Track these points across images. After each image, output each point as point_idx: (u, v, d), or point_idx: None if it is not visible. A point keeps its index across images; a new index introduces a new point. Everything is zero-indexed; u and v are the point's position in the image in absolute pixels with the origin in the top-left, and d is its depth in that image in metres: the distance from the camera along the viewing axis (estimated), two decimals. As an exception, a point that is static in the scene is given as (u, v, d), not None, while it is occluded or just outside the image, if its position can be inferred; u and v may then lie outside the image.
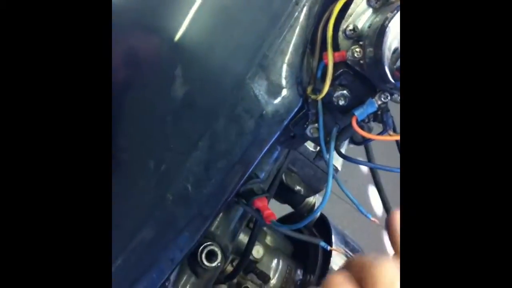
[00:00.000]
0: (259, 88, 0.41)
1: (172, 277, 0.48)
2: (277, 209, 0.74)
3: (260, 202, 0.49)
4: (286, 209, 0.82)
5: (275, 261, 0.68)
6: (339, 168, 0.66)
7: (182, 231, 0.42)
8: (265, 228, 0.69)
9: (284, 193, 0.70)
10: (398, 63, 0.39)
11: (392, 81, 0.40)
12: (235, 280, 0.65)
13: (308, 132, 0.46)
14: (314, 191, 0.71)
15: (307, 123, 0.46)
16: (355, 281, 0.39)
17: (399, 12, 0.40)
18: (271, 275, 0.67)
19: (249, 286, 0.66)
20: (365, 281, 0.39)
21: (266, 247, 0.68)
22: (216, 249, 0.49)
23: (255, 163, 0.43)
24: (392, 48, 0.40)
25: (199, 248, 0.49)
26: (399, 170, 0.49)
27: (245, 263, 0.61)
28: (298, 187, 0.70)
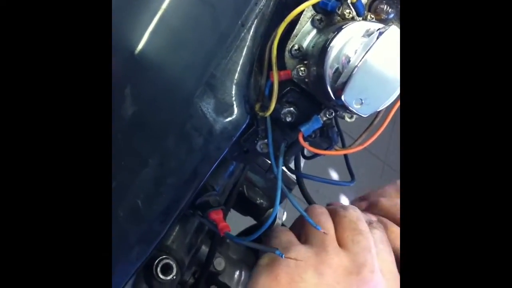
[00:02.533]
0: (207, 106, 0.42)
1: (126, 291, 0.49)
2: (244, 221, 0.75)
3: (215, 215, 0.50)
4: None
5: (237, 272, 0.69)
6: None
7: (133, 246, 0.44)
8: (228, 240, 0.70)
9: (246, 206, 0.71)
10: (339, 82, 0.41)
11: (334, 98, 0.42)
12: (197, 292, 0.66)
13: (258, 147, 0.48)
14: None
15: (257, 139, 0.47)
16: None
17: (339, 33, 0.42)
18: (233, 287, 0.68)
19: (211, 298, 0.67)
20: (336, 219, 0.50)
21: (228, 258, 0.69)
22: (172, 262, 0.50)
23: (206, 178, 0.45)
24: (334, 68, 0.42)
25: (155, 261, 0.50)
26: (349, 184, 0.51)
27: (205, 275, 0.62)
28: (259, 200, 0.72)
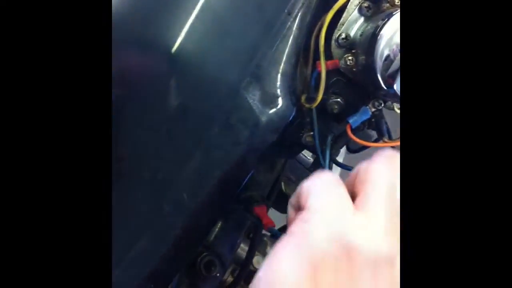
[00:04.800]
0: (253, 98, 0.41)
1: (170, 288, 0.48)
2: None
3: (259, 210, 0.49)
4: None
5: (275, 271, 0.68)
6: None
7: (179, 241, 0.43)
8: (265, 238, 0.69)
9: (284, 203, 0.70)
10: (390, 70, 0.39)
11: (385, 88, 0.40)
12: (236, 291, 0.65)
13: (303, 140, 0.46)
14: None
15: (302, 131, 0.46)
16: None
17: (389, 20, 0.40)
18: (272, 285, 0.67)
19: (250, 296, 0.66)
20: (361, 185, 0.34)
21: (266, 256, 0.68)
22: (215, 259, 0.49)
23: (251, 172, 0.44)
24: (384, 56, 0.40)
25: (198, 258, 0.49)
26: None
27: (245, 273, 0.61)
28: (298, 197, 0.70)
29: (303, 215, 0.33)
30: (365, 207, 0.32)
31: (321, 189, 0.34)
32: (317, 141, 0.45)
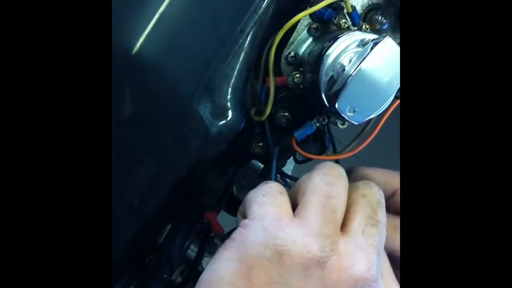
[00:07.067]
0: (204, 110, 0.43)
1: (119, 288, 0.50)
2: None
3: (209, 216, 0.52)
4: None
5: (225, 272, 0.70)
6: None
7: (128, 244, 0.44)
8: (215, 240, 0.71)
9: (235, 206, 0.72)
10: (333, 89, 0.42)
11: (328, 105, 0.43)
12: (185, 291, 0.67)
13: (252, 151, 0.49)
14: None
15: (251, 142, 0.49)
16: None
17: (335, 42, 0.43)
18: (220, 286, 0.69)
19: (198, 297, 0.67)
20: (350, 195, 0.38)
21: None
22: (163, 260, 0.51)
23: (201, 179, 0.46)
24: (328, 75, 0.43)
25: (147, 259, 0.51)
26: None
27: (194, 274, 0.63)
28: (249, 201, 0.73)
29: (244, 221, 0.37)
30: (301, 214, 0.37)
31: (261, 198, 0.37)
32: (271, 151, 0.47)
